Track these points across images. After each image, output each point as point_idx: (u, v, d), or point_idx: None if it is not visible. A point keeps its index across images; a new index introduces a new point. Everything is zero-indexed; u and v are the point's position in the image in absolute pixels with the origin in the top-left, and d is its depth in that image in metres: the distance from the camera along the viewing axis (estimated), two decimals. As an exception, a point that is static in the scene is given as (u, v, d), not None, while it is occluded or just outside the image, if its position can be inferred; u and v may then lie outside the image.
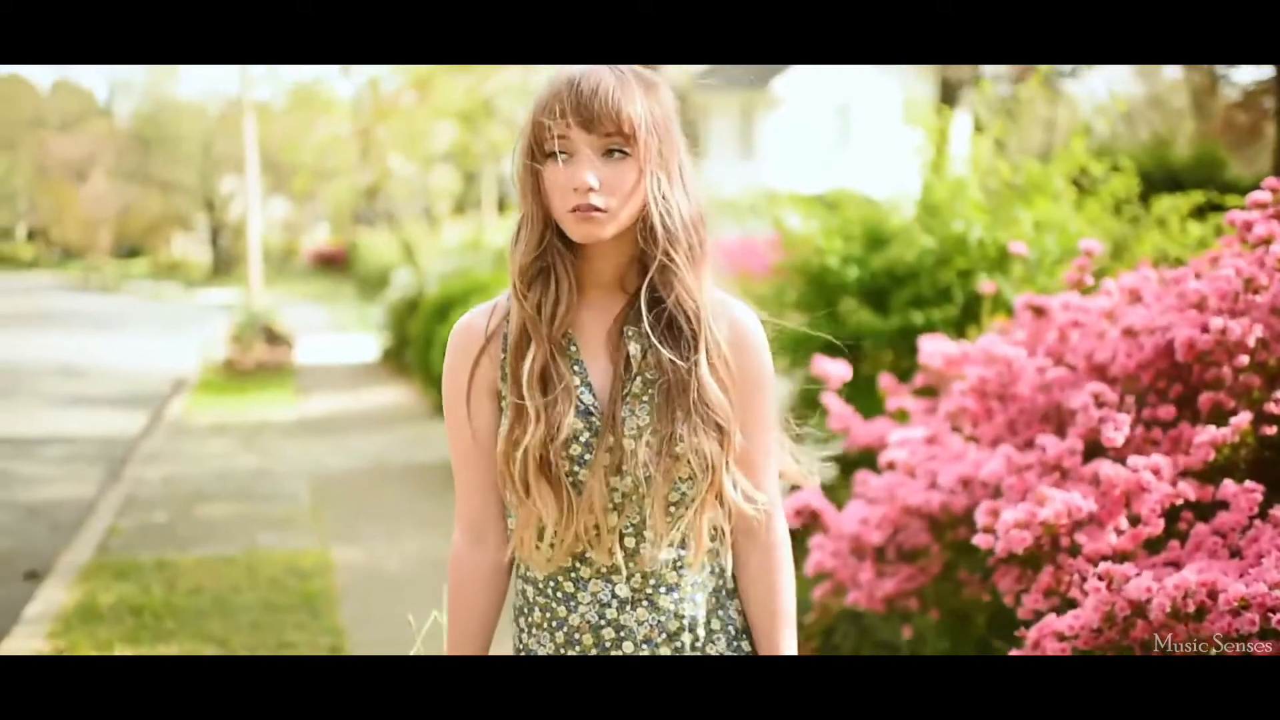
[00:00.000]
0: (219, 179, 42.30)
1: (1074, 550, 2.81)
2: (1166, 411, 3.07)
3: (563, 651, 2.05)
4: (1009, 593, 3.26)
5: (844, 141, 29.90)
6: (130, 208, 44.48)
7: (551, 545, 2.00)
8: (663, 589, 2.02)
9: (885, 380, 4.74)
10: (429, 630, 2.66)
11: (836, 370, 4.65)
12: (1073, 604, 2.75)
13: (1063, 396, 3.31)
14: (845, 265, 5.83)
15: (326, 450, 10.27)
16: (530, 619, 2.09)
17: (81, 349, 18.44)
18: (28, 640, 5.41)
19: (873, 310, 5.76)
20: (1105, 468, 2.82)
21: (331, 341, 19.28)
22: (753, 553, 2.08)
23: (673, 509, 1.97)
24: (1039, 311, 3.47)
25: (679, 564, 2.02)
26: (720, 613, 2.08)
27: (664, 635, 2.03)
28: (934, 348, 4.50)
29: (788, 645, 2.08)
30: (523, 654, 2.10)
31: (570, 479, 1.96)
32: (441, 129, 16.05)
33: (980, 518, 2.98)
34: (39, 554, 7.09)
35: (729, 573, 2.10)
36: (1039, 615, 2.82)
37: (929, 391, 4.80)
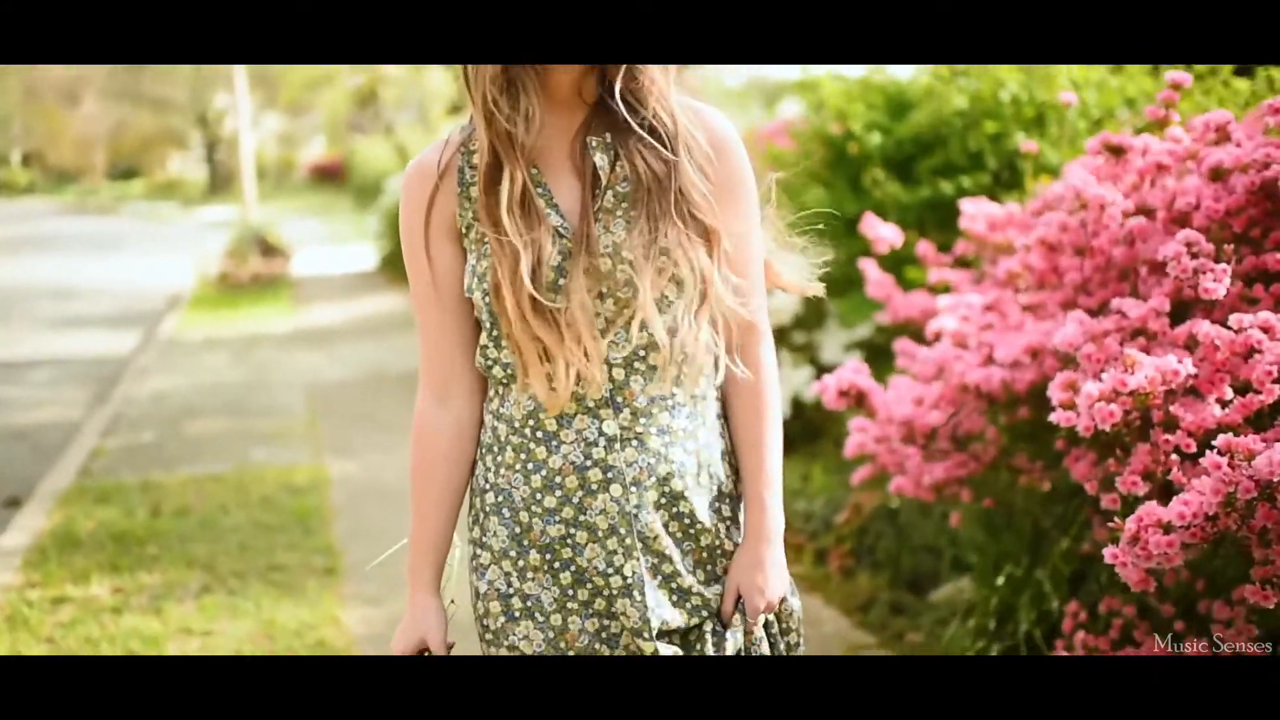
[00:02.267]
0: (211, 95, 41.44)
1: (1169, 425, 2.38)
2: (1273, 261, 2.61)
3: (539, 497, 1.92)
4: (1087, 480, 2.84)
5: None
6: (123, 127, 43.66)
7: (557, 384, 1.86)
8: (654, 429, 1.90)
9: (923, 249, 4.28)
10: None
11: (886, 233, 4.19)
12: (1170, 492, 2.32)
13: (1144, 250, 2.86)
14: (868, 131, 5.35)
15: (323, 361, 9.86)
16: (501, 459, 1.95)
17: (76, 271, 17.94)
18: (0, 574, 5.02)
19: (899, 181, 5.28)
20: (1204, 327, 2.37)
21: (329, 253, 18.80)
22: (740, 381, 1.96)
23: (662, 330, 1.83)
24: (1117, 152, 2.99)
25: (670, 403, 1.90)
26: (710, 467, 1.97)
27: (653, 479, 1.91)
28: (976, 210, 4.05)
29: (769, 484, 1.99)
30: (488, 492, 1.97)
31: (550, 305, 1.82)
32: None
33: (1055, 392, 2.54)
34: (22, 479, 6.69)
35: (719, 424, 1.99)
36: (1132, 503, 2.38)
37: (969, 263, 4.35)
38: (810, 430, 5.73)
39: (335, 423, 7.65)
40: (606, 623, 1.93)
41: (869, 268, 4.35)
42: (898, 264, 4.78)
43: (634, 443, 1.89)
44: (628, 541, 1.90)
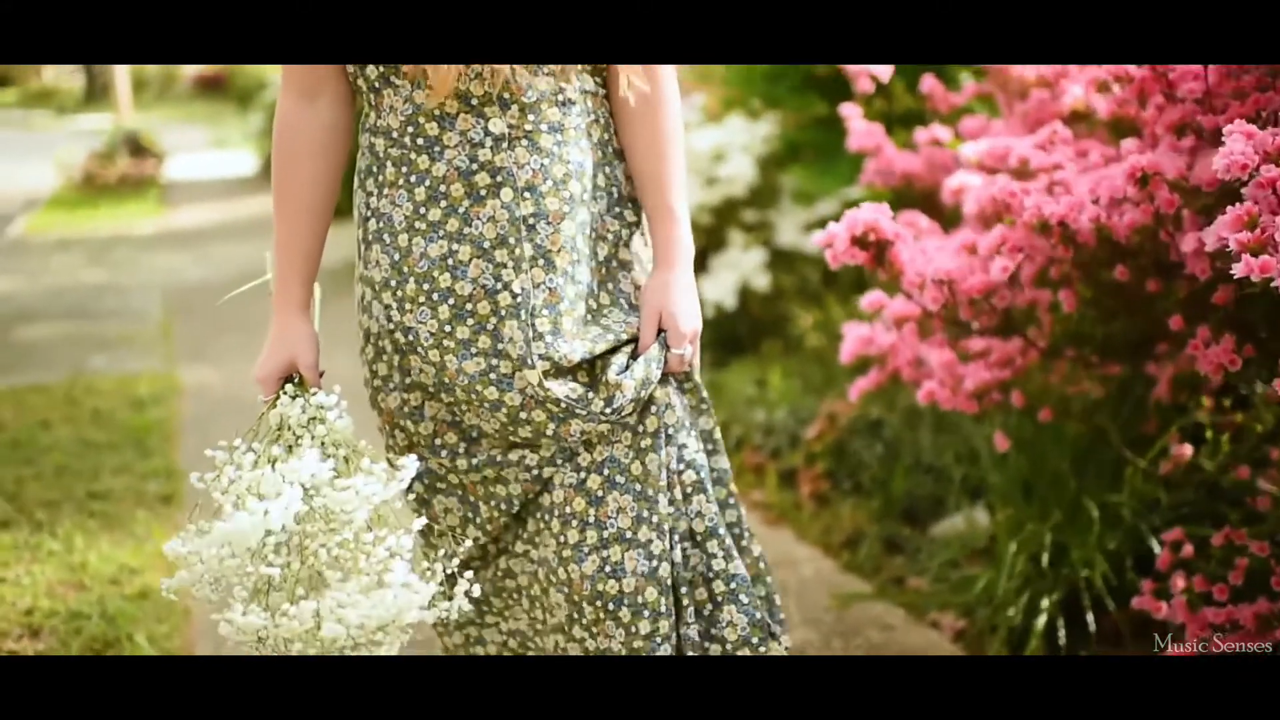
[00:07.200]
0: None
1: None
2: None
3: (423, 210, 1.77)
4: (1216, 363, 1.97)
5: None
6: (-7, 33, 41.39)
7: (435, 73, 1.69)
8: (544, 126, 1.76)
9: (929, 85, 3.34)
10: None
11: (874, 67, 3.25)
12: None
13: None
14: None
15: (188, 262, 8.71)
16: (381, 178, 1.81)
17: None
18: None
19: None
20: None
21: (208, 159, 17.44)
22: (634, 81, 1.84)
23: None
24: None
25: (561, 97, 1.77)
26: (607, 169, 1.86)
27: (549, 182, 1.77)
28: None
29: (676, 190, 1.87)
30: (369, 220, 1.84)
31: None
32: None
33: (1225, 231, 1.63)
34: None
35: (613, 128, 1.87)
36: None
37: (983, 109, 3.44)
38: (757, 328, 4.79)
39: (194, 327, 6.58)
40: (494, 361, 1.78)
41: (851, 115, 3.42)
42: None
43: (524, 142, 1.75)
44: (517, 252, 1.75)
